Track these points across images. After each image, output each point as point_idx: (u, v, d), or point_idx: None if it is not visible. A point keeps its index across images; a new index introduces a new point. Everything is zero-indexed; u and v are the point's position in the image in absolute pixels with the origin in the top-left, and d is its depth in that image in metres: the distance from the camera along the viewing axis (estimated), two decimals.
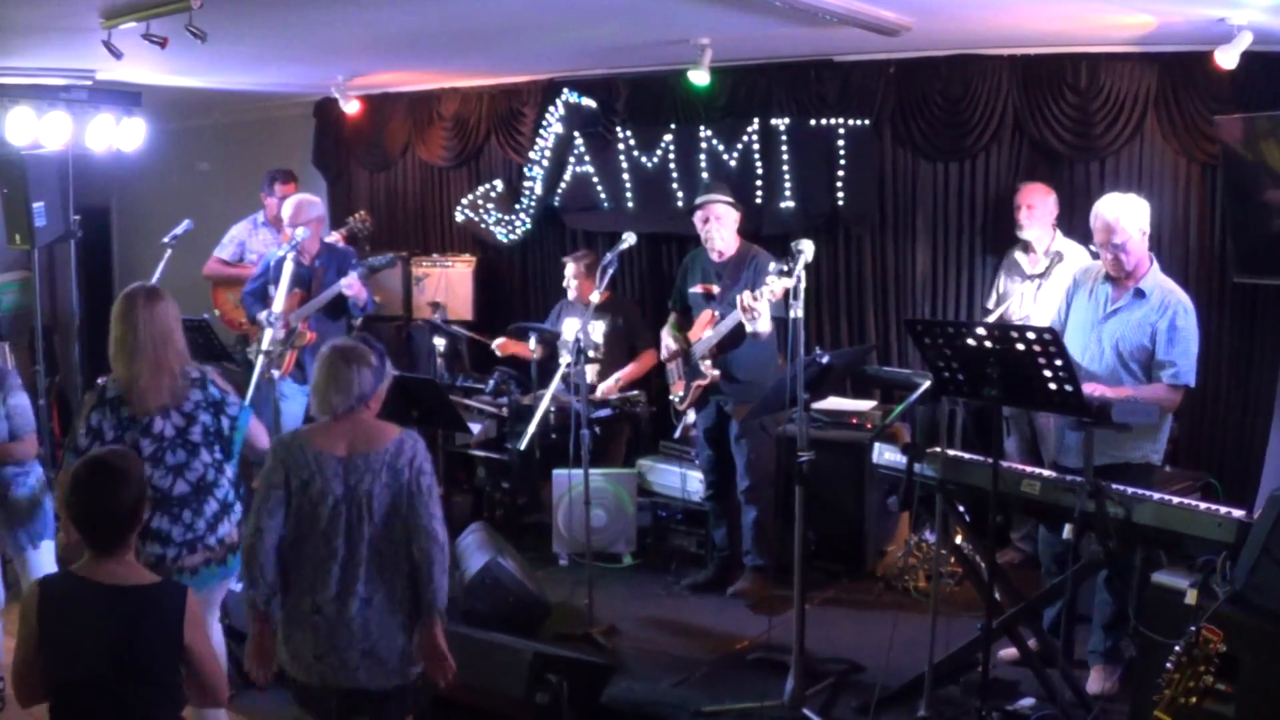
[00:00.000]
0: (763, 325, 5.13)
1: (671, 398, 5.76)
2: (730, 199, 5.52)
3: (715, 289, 5.50)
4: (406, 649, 3.31)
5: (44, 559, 4.46)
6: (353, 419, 3.35)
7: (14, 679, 2.81)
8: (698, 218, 5.52)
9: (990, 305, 5.82)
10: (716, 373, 5.44)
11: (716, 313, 5.43)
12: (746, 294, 5.08)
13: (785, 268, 4.99)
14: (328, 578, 3.24)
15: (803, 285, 4.39)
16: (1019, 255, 5.67)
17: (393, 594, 3.28)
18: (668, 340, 5.75)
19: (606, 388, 6.36)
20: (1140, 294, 4.28)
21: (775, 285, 5.00)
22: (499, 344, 6.74)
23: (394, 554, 3.29)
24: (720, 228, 5.45)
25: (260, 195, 7.26)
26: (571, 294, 6.59)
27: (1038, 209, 5.54)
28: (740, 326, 5.20)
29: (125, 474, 2.84)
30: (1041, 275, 5.54)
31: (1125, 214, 4.25)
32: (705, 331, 5.47)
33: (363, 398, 3.34)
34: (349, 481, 3.26)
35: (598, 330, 6.41)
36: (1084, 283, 4.50)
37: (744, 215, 5.66)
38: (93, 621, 2.73)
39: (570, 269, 6.57)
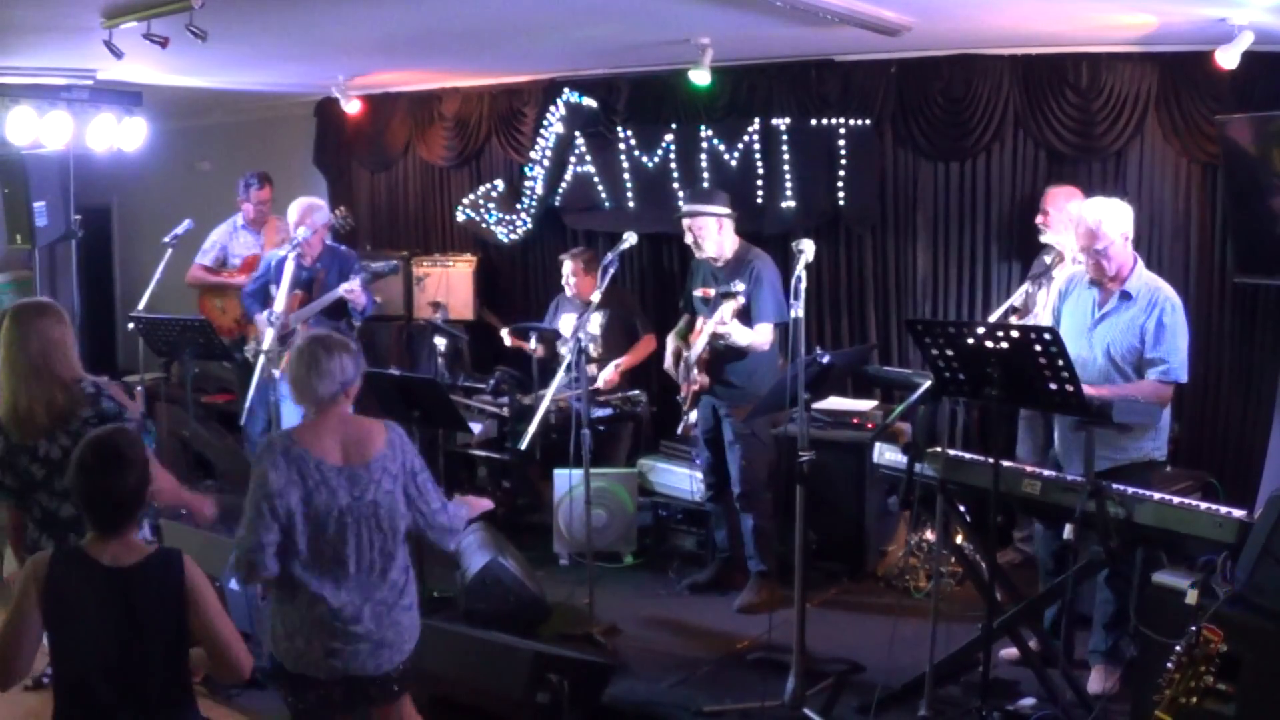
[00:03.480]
0: (741, 339, 5.18)
1: (678, 398, 5.75)
2: (710, 207, 5.35)
3: (712, 293, 5.45)
4: (409, 628, 3.35)
5: None
6: (338, 415, 3.31)
7: None
8: (684, 226, 5.44)
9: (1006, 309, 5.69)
10: (705, 379, 5.42)
11: (707, 319, 5.37)
12: (710, 323, 5.16)
13: (732, 289, 5.10)
14: (340, 586, 3.23)
15: (803, 285, 4.39)
16: (1046, 259, 5.56)
17: (401, 587, 3.33)
18: (669, 344, 5.73)
19: (608, 377, 6.33)
20: (1126, 296, 4.26)
21: (725, 310, 5.09)
22: (508, 331, 6.74)
23: (401, 552, 3.33)
24: (703, 238, 5.35)
25: (237, 200, 7.25)
26: (570, 291, 6.58)
27: (1053, 214, 5.49)
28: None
29: (127, 455, 2.81)
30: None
31: (1107, 219, 4.21)
32: (697, 339, 5.45)
33: (345, 384, 3.31)
34: (353, 492, 3.23)
35: (595, 323, 6.41)
36: (1070, 290, 4.49)
37: (740, 216, 5.54)
38: (92, 603, 2.72)
39: (568, 266, 6.56)
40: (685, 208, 5.49)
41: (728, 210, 5.41)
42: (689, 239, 5.42)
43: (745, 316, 5.23)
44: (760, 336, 5.25)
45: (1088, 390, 3.88)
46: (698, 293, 5.57)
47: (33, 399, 3.47)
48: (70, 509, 3.50)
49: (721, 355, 5.36)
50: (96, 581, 2.73)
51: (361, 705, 3.34)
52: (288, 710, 3.40)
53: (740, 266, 5.37)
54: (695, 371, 5.44)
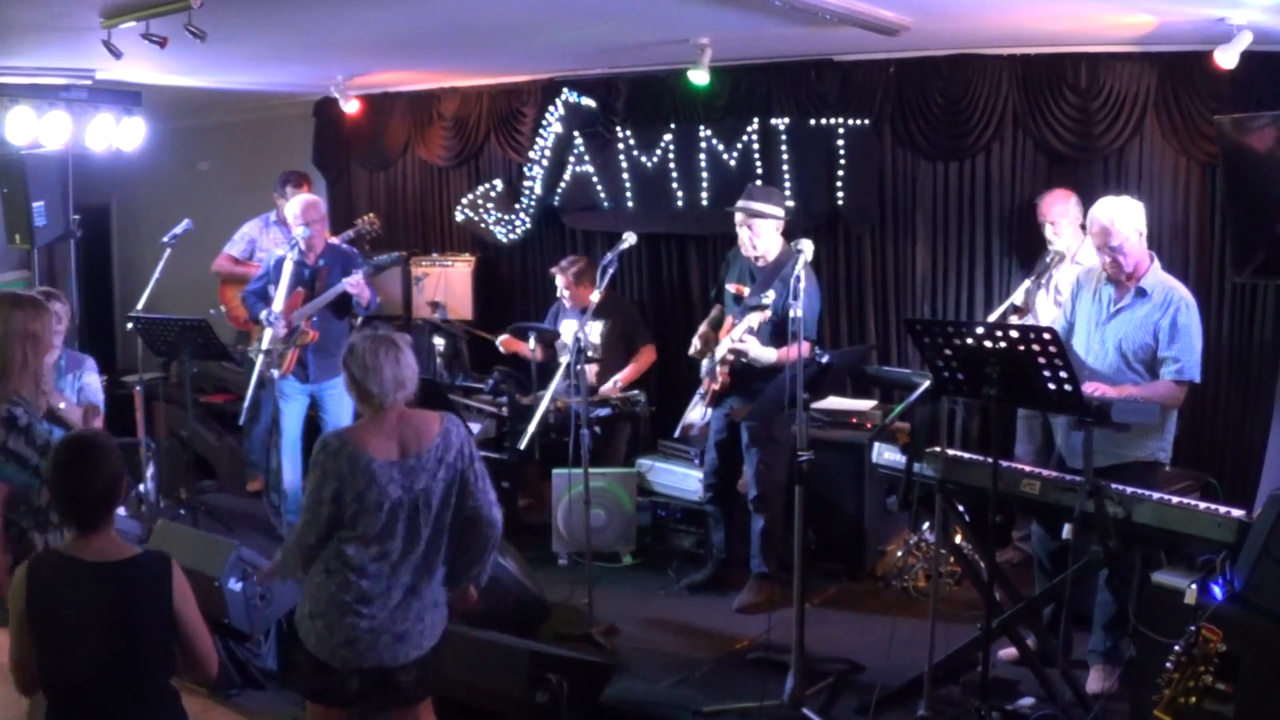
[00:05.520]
0: (761, 356, 5.15)
1: (699, 392, 5.71)
2: (768, 208, 5.27)
3: (746, 291, 5.40)
4: (430, 626, 3.36)
5: None
6: (400, 410, 3.36)
7: (14, 670, 2.79)
8: (735, 219, 5.35)
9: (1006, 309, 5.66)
10: (726, 378, 5.39)
11: (737, 321, 5.33)
12: (737, 330, 5.13)
13: (761, 301, 5.05)
14: (378, 575, 3.26)
15: (802, 285, 4.39)
16: (1048, 258, 5.54)
17: (434, 578, 3.36)
18: (699, 333, 5.63)
19: (607, 389, 6.35)
20: (1142, 293, 4.29)
21: (753, 319, 5.06)
22: (502, 340, 6.73)
23: (441, 541, 3.37)
24: (755, 236, 5.26)
25: (273, 196, 7.27)
26: (567, 303, 6.57)
27: (1060, 222, 5.46)
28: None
29: (102, 451, 2.85)
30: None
31: (1121, 216, 4.25)
32: (725, 338, 5.42)
33: (415, 382, 3.38)
34: (405, 485, 3.27)
35: (595, 331, 6.40)
36: (1087, 284, 4.51)
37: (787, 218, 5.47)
38: (83, 600, 2.74)
39: (560, 280, 6.54)
40: (745, 204, 5.29)
41: (784, 212, 5.36)
42: (743, 236, 5.31)
43: (779, 332, 5.16)
44: (770, 357, 5.14)
45: (1107, 391, 3.89)
46: (731, 287, 5.51)
47: None
48: None
49: (748, 362, 5.31)
50: (84, 579, 2.75)
51: (376, 700, 3.35)
52: (307, 688, 3.38)
53: (778, 272, 5.23)
54: (720, 369, 5.41)
